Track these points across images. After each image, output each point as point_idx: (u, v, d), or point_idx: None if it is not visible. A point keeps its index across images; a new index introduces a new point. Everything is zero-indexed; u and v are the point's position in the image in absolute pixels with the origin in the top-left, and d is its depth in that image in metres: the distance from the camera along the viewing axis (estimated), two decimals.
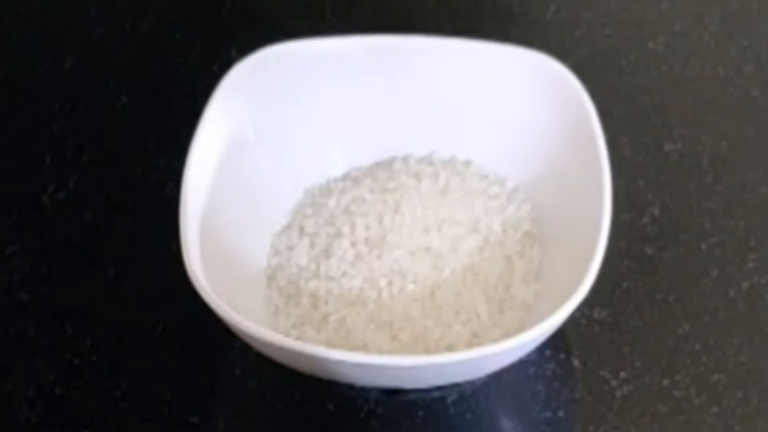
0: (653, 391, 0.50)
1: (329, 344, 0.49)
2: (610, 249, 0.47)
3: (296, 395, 0.50)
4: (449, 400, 0.50)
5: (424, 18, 0.57)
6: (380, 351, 0.49)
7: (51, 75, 0.64)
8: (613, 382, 0.51)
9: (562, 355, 0.52)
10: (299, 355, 0.45)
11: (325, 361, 0.45)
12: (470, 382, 0.50)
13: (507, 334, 0.49)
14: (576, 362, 0.51)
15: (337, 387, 0.49)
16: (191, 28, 0.66)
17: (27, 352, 0.52)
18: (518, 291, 0.51)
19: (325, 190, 0.55)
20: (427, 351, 0.49)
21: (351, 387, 0.49)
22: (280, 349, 0.46)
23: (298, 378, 0.48)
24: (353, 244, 0.52)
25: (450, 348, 0.49)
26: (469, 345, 0.49)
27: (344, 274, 0.51)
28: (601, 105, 0.52)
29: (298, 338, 0.50)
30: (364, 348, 0.49)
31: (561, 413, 0.50)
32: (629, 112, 0.61)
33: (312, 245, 0.53)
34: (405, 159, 0.56)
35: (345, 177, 0.56)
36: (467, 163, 0.56)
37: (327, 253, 0.52)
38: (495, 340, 0.48)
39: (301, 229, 0.54)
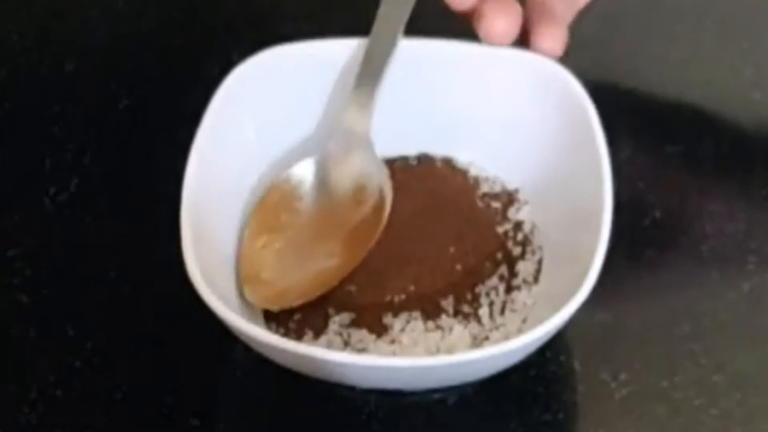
0: (653, 392, 0.50)
1: (329, 346, 0.49)
2: (611, 251, 0.47)
3: (297, 398, 0.50)
4: (450, 402, 0.50)
5: (425, 20, 0.57)
6: (380, 353, 0.49)
7: (52, 77, 0.64)
8: (613, 384, 0.51)
9: (563, 357, 0.51)
10: (300, 357, 0.45)
11: (325, 363, 0.45)
12: (471, 384, 0.50)
13: (507, 337, 0.49)
14: (576, 364, 0.51)
15: (337, 389, 0.49)
16: (191, 31, 0.66)
17: (28, 354, 0.52)
18: (518, 293, 0.51)
19: None
20: (428, 353, 0.49)
21: (351, 389, 0.49)
22: (281, 351, 0.45)
23: (299, 380, 0.48)
24: None
25: (450, 350, 0.49)
26: (470, 347, 0.49)
27: None
28: (602, 107, 0.52)
29: None
30: (364, 350, 0.49)
31: (561, 415, 0.50)
32: (630, 114, 0.60)
33: None
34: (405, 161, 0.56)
35: None
36: (467, 165, 0.56)
37: None
38: (495, 343, 0.48)
39: None
